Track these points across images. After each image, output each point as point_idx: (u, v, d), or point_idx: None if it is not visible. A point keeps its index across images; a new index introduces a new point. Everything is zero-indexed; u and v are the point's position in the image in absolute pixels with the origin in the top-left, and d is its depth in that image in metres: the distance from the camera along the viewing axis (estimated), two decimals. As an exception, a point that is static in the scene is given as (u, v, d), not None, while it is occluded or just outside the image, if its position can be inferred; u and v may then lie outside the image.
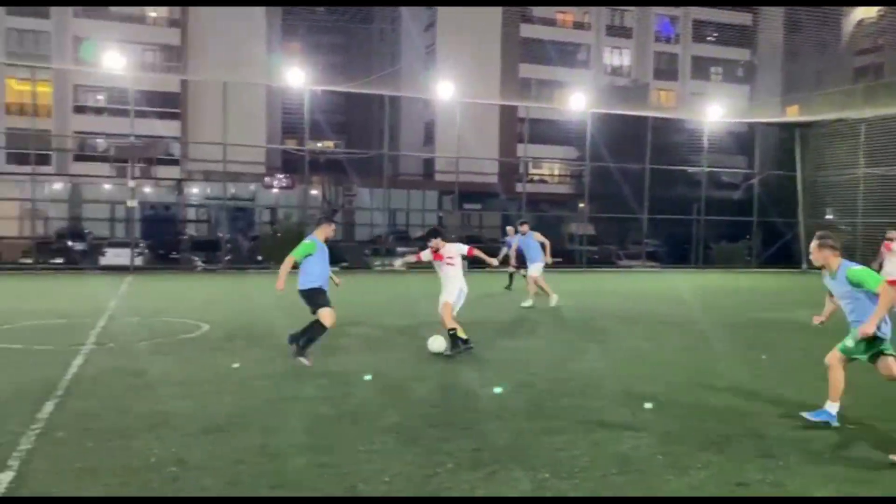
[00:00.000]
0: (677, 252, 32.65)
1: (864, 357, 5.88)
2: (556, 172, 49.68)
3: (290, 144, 47.27)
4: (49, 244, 29.75)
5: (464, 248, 9.48)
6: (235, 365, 8.27)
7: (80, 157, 39.63)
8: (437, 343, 9.06)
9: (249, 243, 32.78)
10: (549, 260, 15.03)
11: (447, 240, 9.43)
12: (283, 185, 42.64)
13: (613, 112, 33.60)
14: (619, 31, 51.45)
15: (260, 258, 29.15)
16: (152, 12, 41.78)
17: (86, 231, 34.05)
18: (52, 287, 19.48)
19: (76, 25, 39.18)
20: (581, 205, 36.12)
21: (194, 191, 41.76)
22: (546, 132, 42.13)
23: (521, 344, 10.63)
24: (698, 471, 5.05)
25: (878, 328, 5.67)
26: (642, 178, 30.71)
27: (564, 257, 34.04)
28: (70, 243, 30.25)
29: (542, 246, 14.92)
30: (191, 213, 40.87)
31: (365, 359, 8.98)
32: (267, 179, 42.21)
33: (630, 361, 9.24)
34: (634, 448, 5.54)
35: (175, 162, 40.76)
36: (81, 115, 39.55)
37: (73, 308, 13.90)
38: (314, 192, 40.02)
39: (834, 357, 6.03)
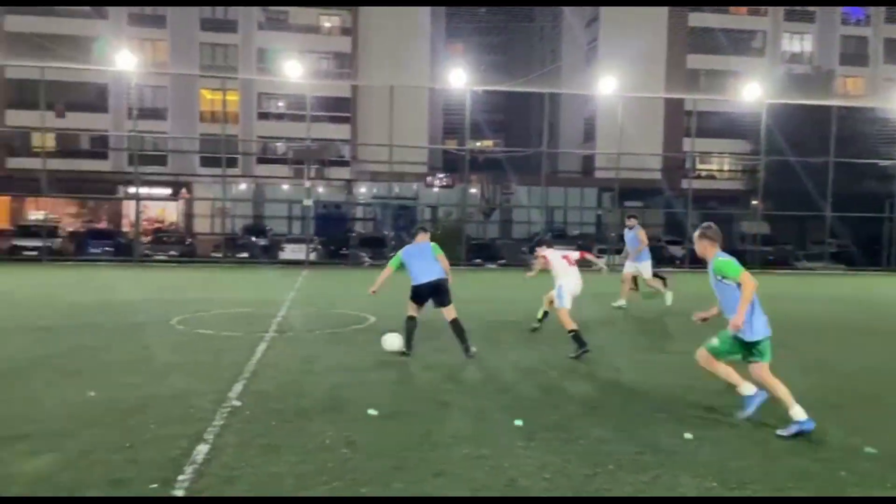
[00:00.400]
0: (866, 253, 29.76)
1: (738, 357, 5.88)
2: (727, 167, 46.97)
3: (451, 144, 48.37)
4: (235, 240, 32.54)
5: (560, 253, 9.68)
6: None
7: (262, 160, 43.04)
8: (390, 341, 8.82)
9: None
10: (626, 256, 14.35)
11: (551, 246, 9.78)
12: (444, 184, 43.73)
13: (793, 102, 31.21)
14: (800, 16, 47.65)
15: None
16: (326, 22, 44.43)
17: (266, 228, 36.88)
18: (239, 279, 21.30)
19: (260, 38, 42.49)
20: (754, 202, 33.95)
21: (362, 190, 43.92)
22: (715, 125, 40.00)
23: (686, 347, 10.19)
24: (888, 489, 4.62)
25: (752, 326, 5.69)
26: (825, 173, 28.30)
27: (735, 258, 32.16)
28: (253, 239, 32.91)
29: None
30: (359, 212, 43.03)
31: (523, 355, 9.04)
32: (429, 179, 43.48)
33: (813, 371, 8.55)
34: (814, 462, 5.16)
35: (345, 163, 43.09)
36: (264, 121, 42.88)
37: (256, 298, 15.13)
38: (473, 190, 40.68)
39: (702, 356, 6.04)
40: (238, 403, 6.45)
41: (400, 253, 9.28)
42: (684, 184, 35.47)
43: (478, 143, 48.32)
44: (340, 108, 41.96)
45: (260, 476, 4.70)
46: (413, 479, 4.73)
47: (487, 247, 32.50)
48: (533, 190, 35.46)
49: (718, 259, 5.91)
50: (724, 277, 5.84)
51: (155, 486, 4.47)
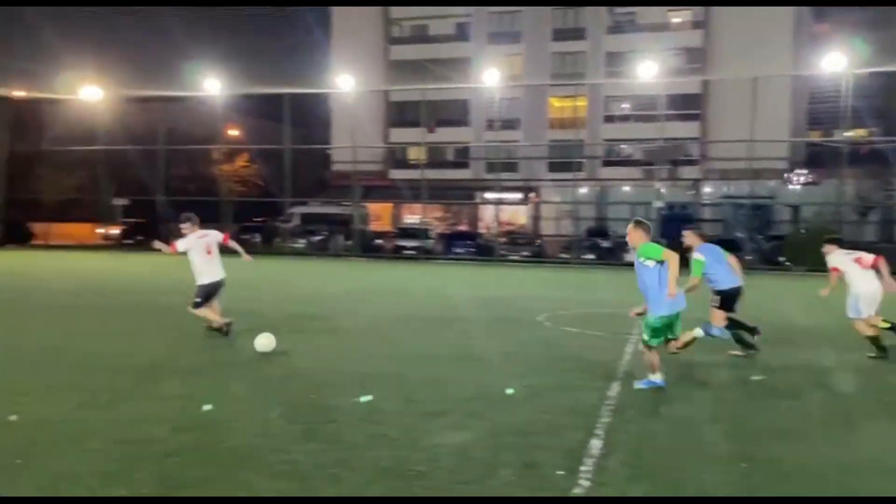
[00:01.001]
0: None
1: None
2: None
3: (815, 136, 43.46)
4: (581, 241, 33.39)
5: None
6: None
7: (607, 163, 43.45)
8: (262, 341, 8.47)
9: (769, 243, 31.33)
10: None
11: (841, 245, 9.16)
12: (808, 180, 39.61)
13: None
14: None
15: (782, 259, 27.96)
16: (676, 18, 43.07)
17: (609, 230, 37.10)
18: (588, 279, 21.79)
19: (608, 42, 42.89)
20: None
21: (707, 189, 41.76)
22: None
23: None
24: None
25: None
26: None
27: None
28: (598, 241, 33.37)
29: None
30: (706, 213, 40.94)
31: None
32: (787, 175, 39.80)
33: None
34: None
35: (693, 162, 41.39)
36: (609, 123, 43.23)
37: (612, 299, 15.24)
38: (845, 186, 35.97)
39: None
40: (620, 403, 6.58)
41: (703, 258, 8.51)
42: None
43: (845, 134, 42.67)
44: (689, 105, 40.34)
45: (661, 478, 4.71)
46: (748, 490, 4.40)
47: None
48: (926, 185, 30.20)
49: (645, 245, 6.91)
50: (649, 258, 6.87)
51: (562, 472, 4.75)
